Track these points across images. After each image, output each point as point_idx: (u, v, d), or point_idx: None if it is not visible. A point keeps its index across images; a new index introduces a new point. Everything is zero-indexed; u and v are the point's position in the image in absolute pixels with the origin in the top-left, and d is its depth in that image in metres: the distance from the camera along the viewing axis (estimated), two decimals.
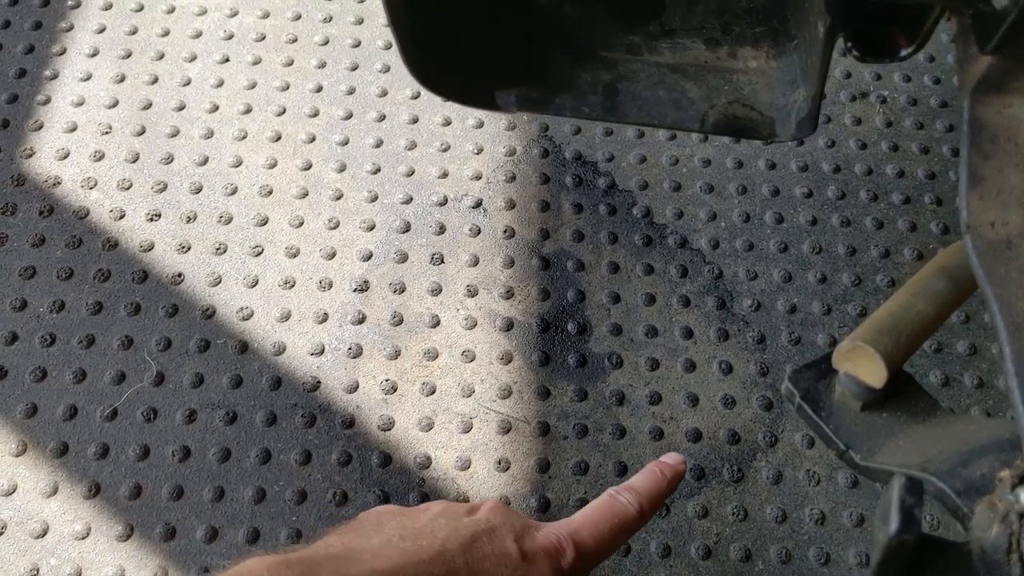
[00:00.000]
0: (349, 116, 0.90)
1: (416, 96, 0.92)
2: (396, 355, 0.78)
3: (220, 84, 0.91)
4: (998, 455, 0.40)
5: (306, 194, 0.85)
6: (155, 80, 0.91)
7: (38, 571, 0.68)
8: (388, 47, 0.94)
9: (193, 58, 0.93)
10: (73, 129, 0.87)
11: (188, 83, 0.91)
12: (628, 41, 0.53)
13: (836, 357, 0.46)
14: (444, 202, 0.86)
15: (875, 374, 0.44)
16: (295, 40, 0.95)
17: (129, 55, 0.92)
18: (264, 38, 0.95)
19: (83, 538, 0.70)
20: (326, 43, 0.95)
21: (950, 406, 0.79)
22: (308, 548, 0.47)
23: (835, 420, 0.46)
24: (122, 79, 0.91)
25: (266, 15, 0.96)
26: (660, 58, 0.53)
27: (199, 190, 0.85)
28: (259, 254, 0.82)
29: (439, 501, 0.54)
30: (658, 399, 0.78)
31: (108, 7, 0.94)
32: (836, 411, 0.46)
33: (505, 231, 0.85)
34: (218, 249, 0.82)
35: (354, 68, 0.93)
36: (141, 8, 0.95)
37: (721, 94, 0.53)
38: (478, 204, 0.86)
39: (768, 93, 0.53)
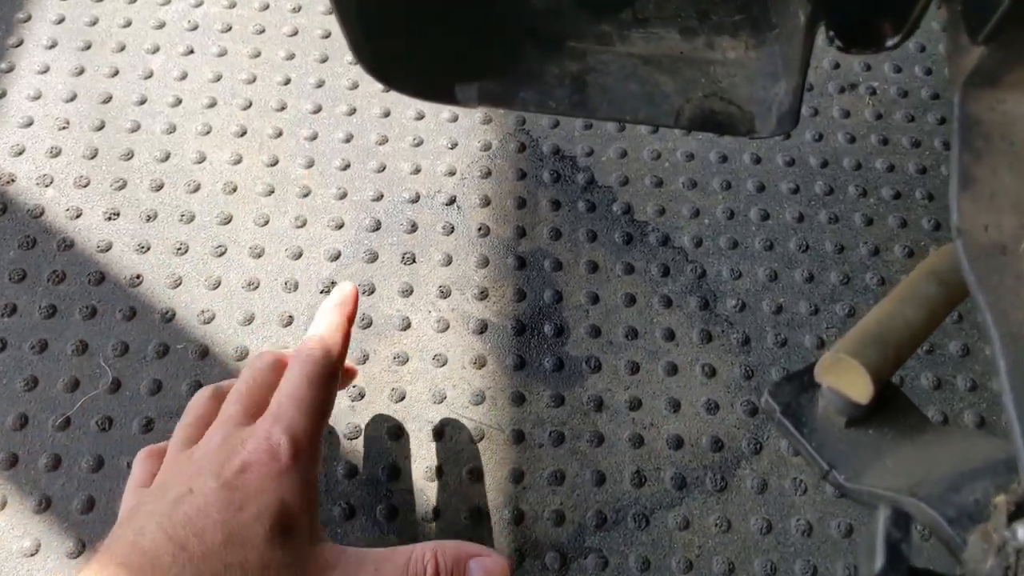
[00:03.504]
0: (318, 110, 0.87)
1: (388, 89, 0.88)
2: (364, 359, 0.75)
3: (184, 77, 0.88)
4: (993, 478, 0.37)
5: (272, 191, 0.82)
6: (116, 73, 0.87)
7: None
8: None
9: (156, 50, 0.89)
10: (29, 124, 0.84)
11: (150, 76, 0.87)
12: (598, 31, 0.50)
13: (818, 370, 0.43)
14: (416, 199, 0.83)
15: (860, 388, 0.41)
16: (263, 31, 0.91)
17: (89, 47, 0.88)
18: (230, 28, 0.91)
19: (32, 555, 0.66)
20: (295, 34, 0.91)
21: (942, 410, 0.76)
22: None
23: (818, 437, 0.43)
24: (81, 72, 0.87)
25: (232, 4, 0.92)
26: (632, 49, 0.50)
27: (160, 187, 0.81)
28: (222, 254, 0.79)
29: (155, 486, 0.52)
30: (638, 404, 0.75)
31: None
32: (819, 427, 0.43)
33: (479, 229, 0.81)
34: (179, 249, 0.78)
35: (324, 60, 0.90)
36: None
37: (697, 87, 0.50)
38: (452, 201, 0.83)
39: (747, 86, 0.50)
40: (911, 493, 0.38)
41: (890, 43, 0.42)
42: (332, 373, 0.55)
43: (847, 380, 0.41)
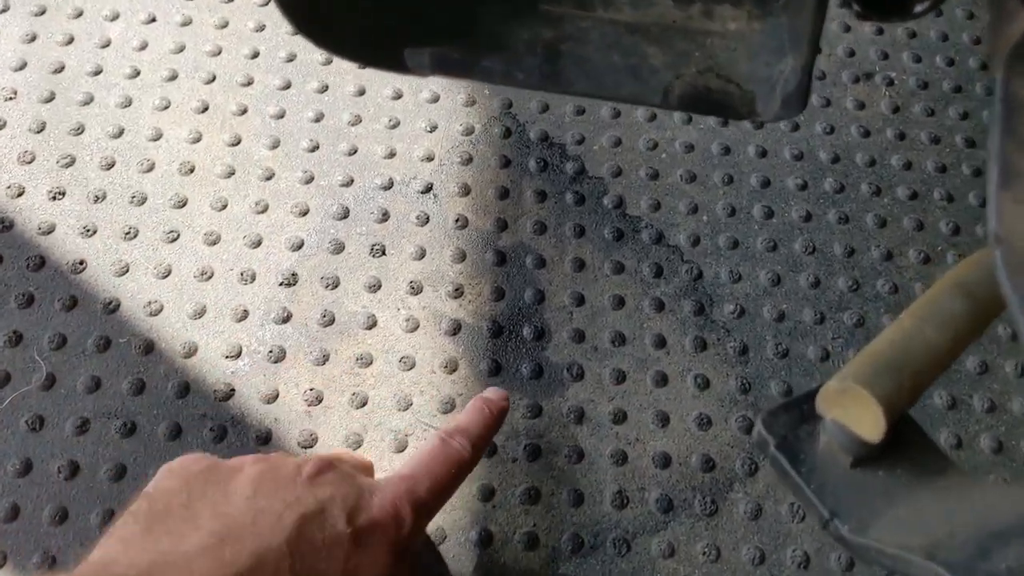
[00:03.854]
0: (287, 86, 0.80)
1: (365, 66, 0.81)
2: (324, 360, 0.68)
3: (143, 47, 0.81)
4: None
5: (232, 173, 0.75)
6: (70, 40, 0.81)
7: None
8: None
9: (115, 17, 0.82)
10: None
11: (107, 44, 0.81)
12: None
13: (822, 400, 0.36)
14: (389, 185, 0.76)
15: (871, 424, 0.34)
16: None
17: (43, 12, 0.82)
18: None
19: None
20: (266, 3, 0.84)
21: (956, 432, 0.69)
22: (111, 553, 0.42)
23: (818, 478, 0.36)
24: (33, 38, 0.80)
25: None
26: (617, 15, 0.43)
27: (111, 166, 0.75)
28: (174, 240, 0.72)
29: (259, 460, 0.49)
30: (623, 417, 0.68)
31: None
32: (820, 466, 0.36)
33: (457, 220, 0.75)
34: (128, 233, 0.72)
35: (296, 32, 0.83)
36: None
37: (691, 61, 0.43)
38: (428, 189, 0.76)
39: (749, 62, 0.43)
40: (928, 555, 0.31)
41: (918, 9, 0.35)
42: (466, 475, 0.55)
43: (855, 413, 0.35)
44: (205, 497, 0.45)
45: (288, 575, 0.43)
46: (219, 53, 0.81)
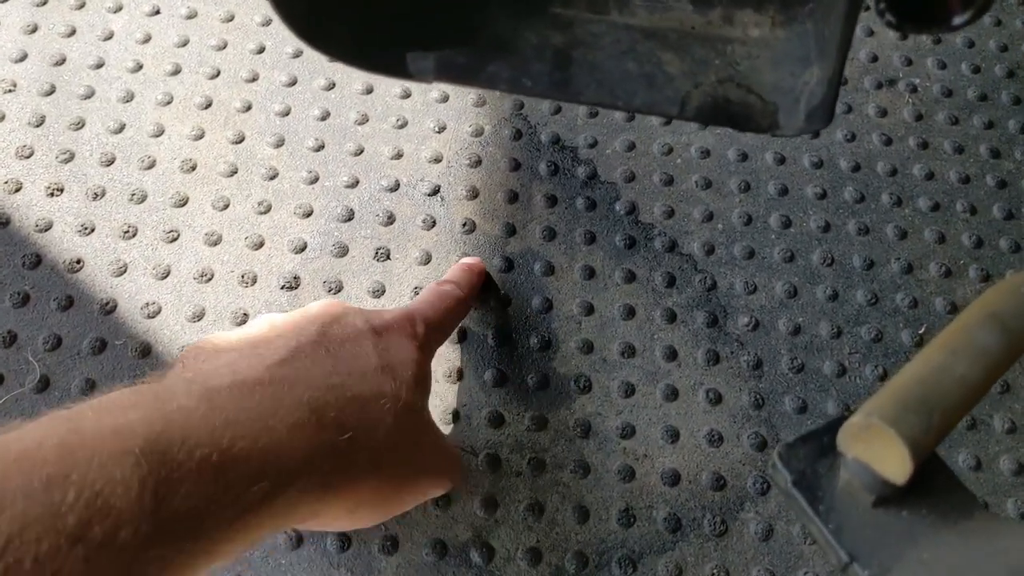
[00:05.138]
0: (293, 82, 0.78)
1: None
2: None
3: (147, 40, 0.79)
4: None
5: (235, 172, 0.73)
6: (72, 32, 0.79)
7: None
8: None
9: (119, 8, 0.80)
10: None
11: (110, 37, 0.79)
12: None
13: (844, 437, 0.34)
14: (396, 187, 0.74)
15: (896, 464, 0.32)
16: None
17: (45, 2, 0.80)
18: None
19: None
20: None
21: (975, 453, 0.67)
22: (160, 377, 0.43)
23: (837, 517, 0.34)
24: (34, 29, 0.78)
25: None
26: (632, 19, 0.41)
27: (111, 162, 0.73)
28: (174, 240, 0.70)
29: (262, 318, 0.52)
30: (631, 432, 0.66)
31: None
32: (839, 505, 0.34)
33: (464, 224, 0.73)
34: (126, 232, 0.70)
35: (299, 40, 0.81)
36: None
37: (710, 70, 0.40)
38: (435, 191, 0.74)
39: (772, 71, 0.41)
40: None
41: (957, 21, 0.33)
42: (462, 316, 0.63)
43: (879, 451, 0.32)
44: (229, 348, 0.47)
45: (324, 356, 0.46)
46: (224, 47, 0.79)
